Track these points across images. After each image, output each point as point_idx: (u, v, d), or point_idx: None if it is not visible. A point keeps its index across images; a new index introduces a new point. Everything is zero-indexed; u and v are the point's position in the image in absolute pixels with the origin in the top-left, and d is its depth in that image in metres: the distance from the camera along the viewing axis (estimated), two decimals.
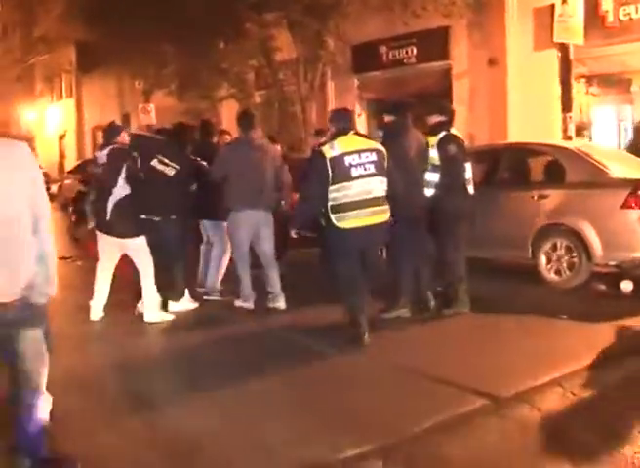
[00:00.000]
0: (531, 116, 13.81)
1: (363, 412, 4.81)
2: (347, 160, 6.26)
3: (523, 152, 9.91)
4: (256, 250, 8.16)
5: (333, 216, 6.28)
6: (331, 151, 6.31)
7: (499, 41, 14.82)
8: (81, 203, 13.45)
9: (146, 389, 5.56)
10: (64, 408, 4.11)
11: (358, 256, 6.45)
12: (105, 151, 7.59)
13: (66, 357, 5.57)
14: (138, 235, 7.46)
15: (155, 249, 7.66)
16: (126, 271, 7.76)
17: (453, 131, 7.61)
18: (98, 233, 7.66)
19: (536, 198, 8.87)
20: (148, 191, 7.50)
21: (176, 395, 5.30)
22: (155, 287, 7.59)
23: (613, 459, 4.07)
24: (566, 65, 12.92)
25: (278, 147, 10.20)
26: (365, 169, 6.27)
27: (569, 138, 12.53)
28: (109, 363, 6.26)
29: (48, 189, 12.93)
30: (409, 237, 7.08)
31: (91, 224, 8.67)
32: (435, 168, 7.37)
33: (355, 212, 6.26)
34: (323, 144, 6.58)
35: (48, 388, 3.76)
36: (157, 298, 7.64)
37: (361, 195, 6.25)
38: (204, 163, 8.34)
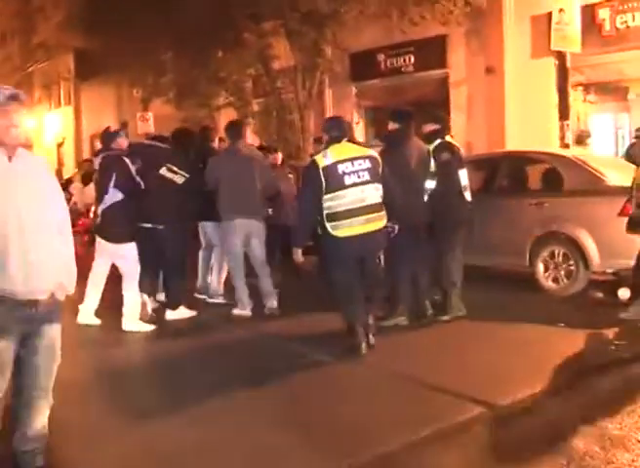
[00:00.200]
0: (528, 124, 13.82)
1: (360, 421, 4.81)
2: (340, 168, 6.26)
3: (521, 160, 9.93)
4: (248, 255, 8.18)
5: (328, 225, 6.29)
6: (324, 160, 6.32)
7: (496, 49, 14.85)
8: None
9: (134, 399, 5.57)
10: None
11: (356, 265, 6.44)
12: (98, 158, 7.64)
13: None
14: (125, 242, 7.43)
15: (157, 256, 7.68)
16: None
17: (447, 138, 7.67)
18: (96, 235, 7.75)
19: (533, 206, 8.88)
20: (157, 199, 7.54)
21: (163, 405, 5.26)
22: (138, 296, 7.59)
23: (611, 466, 4.07)
24: (563, 73, 12.95)
25: (279, 156, 10.23)
26: (359, 176, 6.27)
27: (566, 146, 12.55)
28: (92, 371, 6.26)
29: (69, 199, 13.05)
30: (407, 245, 7.08)
31: None
32: (431, 175, 7.40)
33: (349, 220, 6.24)
34: (317, 153, 6.62)
35: None
36: (137, 308, 7.59)
37: (355, 203, 6.24)
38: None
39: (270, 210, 8.77)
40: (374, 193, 6.32)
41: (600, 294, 8.53)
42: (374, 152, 6.54)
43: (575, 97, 13.74)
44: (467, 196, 7.62)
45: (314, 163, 6.39)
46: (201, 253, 9.02)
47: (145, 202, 7.54)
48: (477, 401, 5.04)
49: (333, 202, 6.26)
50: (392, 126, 7.45)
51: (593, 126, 14.49)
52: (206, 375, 6.00)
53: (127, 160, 7.52)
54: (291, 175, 9.94)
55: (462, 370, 5.82)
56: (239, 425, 4.80)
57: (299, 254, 6.60)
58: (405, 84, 17.19)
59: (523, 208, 9.04)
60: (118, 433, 4.72)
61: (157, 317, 7.90)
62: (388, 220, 6.51)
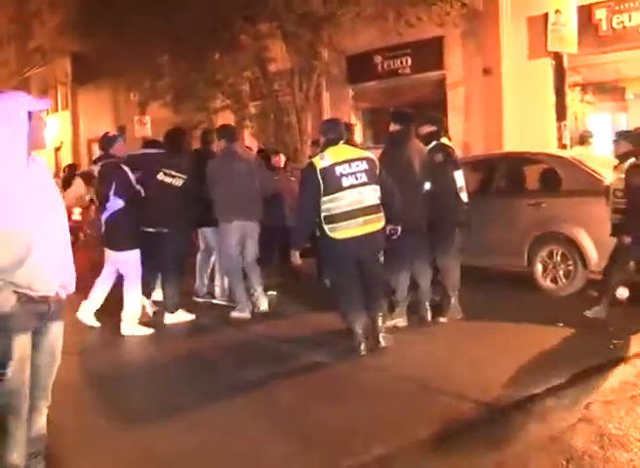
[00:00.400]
0: (526, 125, 13.82)
1: (359, 422, 4.80)
2: (338, 170, 6.27)
3: (519, 161, 9.94)
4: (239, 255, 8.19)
5: (326, 227, 6.29)
6: (321, 162, 6.33)
7: (493, 50, 14.85)
8: None
9: (132, 402, 5.58)
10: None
11: (355, 266, 6.43)
12: (97, 166, 7.65)
13: None
14: (128, 249, 7.48)
15: (158, 259, 7.68)
16: None
17: (443, 140, 7.67)
18: None
19: (531, 206, 8.88)
20: (157, 205, 7.54)
21: (161, 409, 5.26)
22: (139, 301, 7.61)
23: (609, 466, 4.06)
24: (560, 74, 12.95)
25: (281, 158, 10.21)
26: (356, 178, 6.27)
27: (564, 147, 12.55)
28: (90, 374, 6.26)
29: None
30: (407, 246, 7.07)
31: None
32: (428, 176, 7.41)
33: (347, 222, 6.25)
34: (314, 156, 6.64)
35: None
36: (137, 313, 7.61)
37: (353, 205, 6.25)
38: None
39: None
40: (371, 194, 6.32)
41: (597, 294, 8.50)
42: (370, 154, 6.53)
43: (572, 97, 13.74)
44: (464, 197, 7.61)
45: (312, 165, 6.41)
46: (199, 256, 9.02)
47: (148, 208, 7.54)
48: (477, 401, 5.04)
49: (331, 204, 6.26)
50: (393, 127, 7.44)
51: (591, 126, 14.49)
52: (204, 378, 5.99)
53: (126, 168, 7.50)
54: (292, 178, 9.91)
55: (461, 371, 5.81)
56: (238, 428, 4.80)
57: (296, 256, 6.61)
58: (402, 86, 17.20)
59: (521, 208, 9.04)
60: (116, 437, 4.73)
61: (156, 320, 7.88)
62: (390, 222, 6.50)
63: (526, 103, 14.04)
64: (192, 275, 8.99)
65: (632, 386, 5.38)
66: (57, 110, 40.28)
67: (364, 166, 6.33)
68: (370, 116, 18.37)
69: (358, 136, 16.75)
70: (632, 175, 7.24)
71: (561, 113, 12.93)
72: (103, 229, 7.59)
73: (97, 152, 8.44)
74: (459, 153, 8.33)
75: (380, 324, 6.51)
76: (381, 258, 6.91)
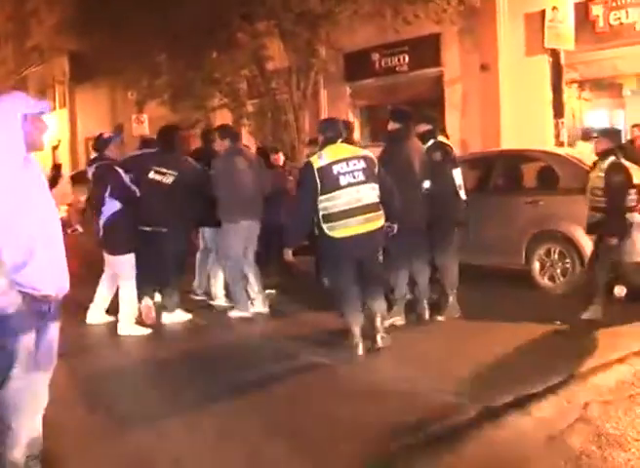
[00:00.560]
0: (523, 122, 13.83)
1: (357, 423, 4.80)
2: (335, 169, 6.26)
3: (516, 159, 9.93)
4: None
5: (325, 226, 6.28)
6: (319, 161, 6.33)
7: (490, 47, 14.86)
8: None
9: (128, 403, 5.57)
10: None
11: (354, 266, 6.43)
12: (92, 168, 7.64)
13: None
14: (124, 253, 7.49)
15: (155, 259, 7.66)
16: None
17: (440, 138, 7.68)
18: None
19: (529, 204, 8.88)
20: (150, 204, 7.52)
21: (158, 410, 5.26)
22: (134, 301, 7.61)
23: (607, 466, 4.06)
24: (557, 71, 12.96)
25: (280, 156, 10.18)
26: (354, 177, 6.26)
27: (561, 144, 12.55)
28: (86, 374, 6.26)
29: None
30: (406, 244, 7.07)
31: None
32: (426, 175, 7.41)
33: (345, 221, 6.24)
34: (312, 155, 6.64)
35: None
36: (133, 313, 7.61)
37: (351, 204, 6.24)
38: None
39: None
40: (370, 193, 6.31)
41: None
42: (368, 152, 6.52)
43: (569, 94, 13.75)
44: (462, 195, 7.63)
45: (309, 164, 6.42)
46: (199, 255, 9.00)
47: (143, 207, 7.52)
48: (475, 401, 5.03)
49: (328, 202, 6.26)
50: (392, 125, 7.42)
51: (588, 123, 14.50)
52: (202, 379, 5.99)
53: (120, 169, 7.48)
54: (290, 178, 9.89)
55: (459, 371, 5.80)
56: (235, 429, 4.79)
57: (289, 254, 6.61)
58: (400, 83, 17.21)
59: (518, 206, 9.04)
60: (113, 438, 4.71)
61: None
62: (387, 220, 6.50)
63: (523, 100, 14.04)
64: (191, 273, 8.97)
65: (630, 386, 5.38)
66: (54, 109, 40.20)
67: (361, 164, 6.32)
68: (367, 113, 18.38)
69: (356, 134, 16.76)
70: (612, 174, 7.21)
71: (558, 110, 12.94)
72: (101, 233, 7.57)
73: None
74: (456, 151, 8.33)
75: (378, 324, 6.50)
76: (381, 258, 6.93)
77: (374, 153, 6.73)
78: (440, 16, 13.84)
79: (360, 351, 6.35)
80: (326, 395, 5.48)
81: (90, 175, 7.70)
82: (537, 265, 8.77)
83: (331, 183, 6.25)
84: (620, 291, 8.05)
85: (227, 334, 7.55)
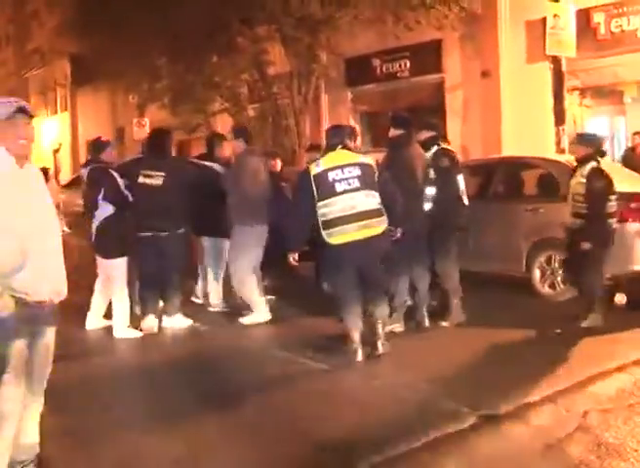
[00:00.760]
0: (524, 129, 13.83)
1: (354, 430, 4.78)
2: (331, 175, 6.26)
3: (517, 166, 9.91)
4: None
5: (324, 232, 6.28)
6: (315, 168, 6.34)
7: (491, 54, 14.88)
8: None
9: (124, 407, 5.56)
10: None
11: (353, 272, 6.41)
12: (86, 170, 7.62)
13: None
14: (117, 257, 7.46)
15: (157, 263, 7.63)
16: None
17: (444, 145, 7.69)
18: None
19: (529, 211, 8.87)
20: (146, 209, 7.47)
21: (154, 415, 5.24)
22: (127, 304, 7.57)
23: None
24: (558, 78, 12.98)
25: (278, 162, 10.11)
26: (349, 184, 6.24)
27: (562, 151, 12.54)
28: (84, 377, 6.22)
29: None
30: (407, 250, 7.05)
31: None
32: (431, 182, 7.41)
33: (341, 227, 6.23)
34: (311, 161, 6.66)
35: None
36: (126, 315, 7.58)
37: (345, 210, 6.22)
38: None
39: None
40: (365, 200, 6.26)
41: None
42: (367, 159, 6.47)
43: (570, 101, 13.76)
44: (465, 201, 7.66)
45: (307, 170, 6.45)
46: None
47: (139, 213, 7.49)
48: (473, 409, 5.00)
49: (325, 209, 6.26)
50: (393, 132, 7.40)
51: (589, 130, 14.49)
52: (198, 383, 5.97)
53: (115, 173, 7.46)
54: (284, 184, 9.84)
55: (458, 378, 5.80)
56: (232, 433, 4.77)
57: (291, 258, 6.61)
58: (400, 89, 17.23)
59: (519, 213, 9.01)
60: (110, 442, 4.69)
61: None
62: (391, 225, 6.47)
63: (524, 107, 14.05)
64: (192, 277, 8.93)
65: (630, 394, 5.36)
66: (55, 112, 40.31)
67: (357, 172, 6.28)
68: (368, 119, 18.38)
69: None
70: (594, 180, 7.22)
71: (559, 117, 12.94)
72: (94, 237, 7.55)
73: None
74: (458, 157, 8.33)
75: (379, 330, 6.47)
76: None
77: (375, 158, 6.71)
78: (441, 22, 13.88)
79: (359, 357, 6.32)
80: (323, 400, 5.46)
81: (84, 176, 7.69)
82: (537, 273, 8.74)
83: (327, 190, 6.26)
84: (620, 298, 8.04)
85: (226, 339, 7.51)
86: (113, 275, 7.54)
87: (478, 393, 5.38)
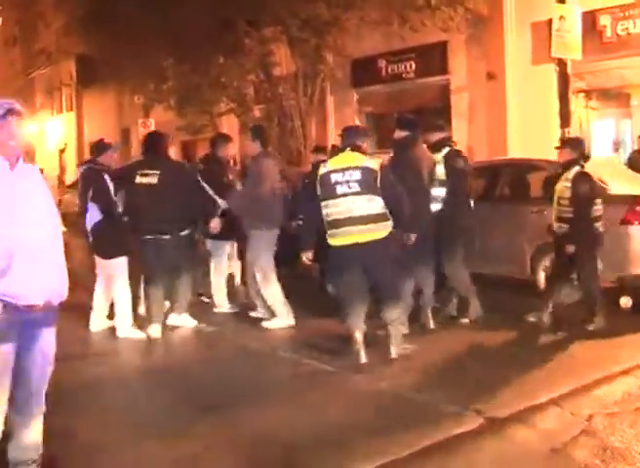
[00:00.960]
0: (530, 130, 13.81)
1: (358, 432, 4.77)
2: (333, 177, 6.30)
3: (522, 168, 9.91)
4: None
5: (327, 233, 6.35)
6: (322, 168, 6.42)
7: (497, 55, 14.86)
8: None
9: (129, 409, 5.55)
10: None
11: (356, 273, 6.40)
12: (81, 169, 7.64)
13: None
14: (116, 257, 7.47)
15: (159, 264, 7.61)
16: None
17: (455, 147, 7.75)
18: None
19: (534, 214, 8.85)
20: (143, 209, 7.46)
21: (155, 417, 5.25)
22: (128, 303, 7.57)
23: None
24: (564, 80, 12.91)
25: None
26: (349, 187, 6.24)
27: None
28: (87, 379, 6.26)
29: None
30: (413, 253, 7.05)
31: None
32: (441, 183, 7.43)
33: (342, 229, 6.27)
34: (316, 162, 6.77)
35: None
36: (129, 315, 7.58)
37: (345, 213, 6.24)
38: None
39: None
40: (365, 205, 6.23)
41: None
42: (371, 163, 6.37)
43: (576, 103, 13.71)
44: (471, 203, 7.70)
45: (315, 171, 6.55)
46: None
47: (140, 216, 7.50)
48: (478, 412, 5.01)
49: (328, 210, 6.32)
50: (399, 133, 7.40)
51: (595, 132, 14.48)
52: (202, 384, 5.98)
53: (107, 177, 7.44)
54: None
55: (462, 381, 5.80)
56: (235, 434, 4.78)
57: (304, 257, 6.66)
58: (406, 90, 17.22)
59: (524, 216, 9.01)
60: (113, 446, 4.70)
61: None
62: (400, 229, 6.46)
63: (530, 109, 14.03)
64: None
65: (636, 398, 5.35)
66: (61, 112, 40.35)
67: (357, 176, 6.26)
68: (374, 120, 18.36)
69: None
70: (579, 184, 7.26)
71: (565, 119, 12.87)
72: (91, 238, 7.57)
73: None
74: None
75: (392, 333, 6.44)
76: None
77: (380, 160, 6.70)
78: (447, 24, 13.87)
79: (362, 358, 6.32)
80: (326, 402, 5.47)
81: (78, 174, 7.72)
82: (542, 276, 8.73)
83: (329, 191, 6.30)
84: (626, 301, 8.03)
85: (231, 340, 7.54)
86: (113, 275, 7.54)
87: (483, 396, 5.39)
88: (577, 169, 7.34)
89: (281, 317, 7.84)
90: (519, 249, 8.90)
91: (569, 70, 12.80)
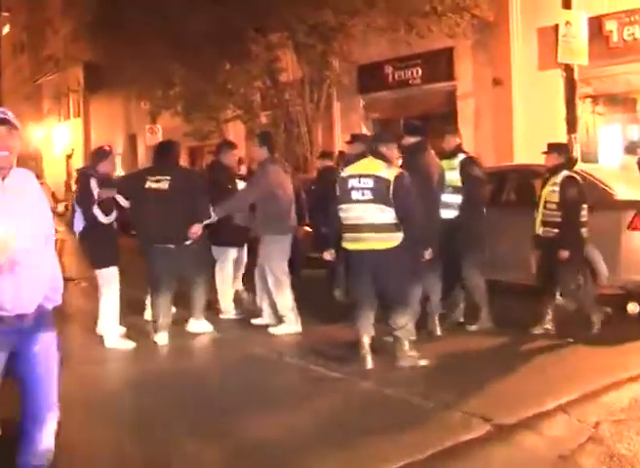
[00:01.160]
0: (536, 136, 13.76)
1: (364, 438, 4.77)
2: (350, 183, 6.35)
3: (529, 174, 9.88)
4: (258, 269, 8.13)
5: (343, 235, 6.44)
6: (343, 173, 6.54)
7: (503, 61, 14.88)
8: None
9: (134, 415, 5.53)
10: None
11: (368, 278, 6.41)
12: (77, 174, 7.67)
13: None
14: (106, 266, 7.39)
15: (166, 272, 7.60)
16: None
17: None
18: None
19: None
20: (152, 216, 7.44)
21: (162, 423, 5.23)
22: (114, 316, 7.49)
23: None
24: (571, 85, 12.91)
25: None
26: (363, 194, 6.28)
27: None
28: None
29: (55, 209, 13.16)
30: (422, 261, 7.04)
31: None
32: (456, 190, 7.44)
33: (353, 234, 6.33)
34: (322, 168, 6.84)
35: None
36: (114, 326, 7.51)
37: (357, 219, 6.30)
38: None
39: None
40: (376, 213, 6.24)
41: (608, 309, 8.44)
42: (386, 172, 6.30)
43: (583, 109, 13.72)
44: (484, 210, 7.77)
45: (321, 176, 6.63)
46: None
47: (147, 222, 7.49)
48: (485, 419, 5.00)
49: (343, 214, 6.39)
50: (408, 139, 7.38)
51: (602, 137, 14.47)
52: (209, 390, 5.99)
53: (94, 181, 7.30)
54: None
55: (469, 387, 5.78)
56: (241, 439, 4.79)
57: (327, 255, 6.72)
58: (412, 96, 17.24)
59: (531, 222, 8.97)
60: (116, 447, 4.72)
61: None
62: (413, 242, 6.40)
63: (536, 115, 14.03)
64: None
65: None
66: (69, 118, 40.52)
67: (370, 184, 6.27)
68: (380, 126, 18.36)
69: None
70: (567, 188, 7.27)
71: (572, 125, 12.87)
72: (80, 245, 7.56)
73: None
74: None
75: (399, 340, 6.43)
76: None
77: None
78: (453, 30, 13.90)
79: (368, 364, 6.34)
80: (332, 408, 5.48)
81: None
82: None
83: (345, 196, 6.37)
84: (633, 308, 8.02)
85: (238, 346, 7.52)
86: (102, 284, 7.48)
87: (490, 402, 5.39)
88: (564, 173, 7.36)
89: (289, 323, 7.84)
90: (525, 255, 8.87)
91: (575, 76, 12.80)
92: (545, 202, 7.47)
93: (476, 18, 13.93)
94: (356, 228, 6.30)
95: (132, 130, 30.80)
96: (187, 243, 7.59)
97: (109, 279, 7.44)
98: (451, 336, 7.43)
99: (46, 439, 3.77)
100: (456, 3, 13.63)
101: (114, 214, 7.43)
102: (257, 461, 4.50)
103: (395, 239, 6.27)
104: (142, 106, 23.29)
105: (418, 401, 5.52)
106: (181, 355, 7.35)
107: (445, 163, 7.58)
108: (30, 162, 36.80)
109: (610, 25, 13.24)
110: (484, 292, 7.72)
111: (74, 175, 8.21)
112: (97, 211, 7.25)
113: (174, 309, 8.03)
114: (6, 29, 50.91)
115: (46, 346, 3.71)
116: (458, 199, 7.48)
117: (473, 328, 7.63)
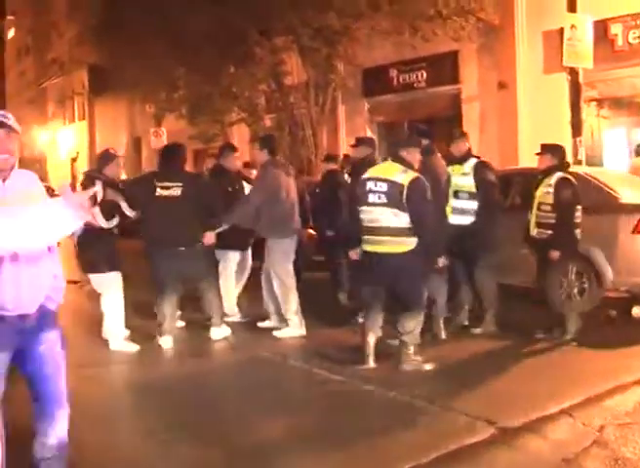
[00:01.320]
0: (541, 140, 13.63)
1: (368, 441, 4.77)
2: (368, 185, 6.40)
3: (533, 177, 9.85)
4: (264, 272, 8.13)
5: (362, 236, 6.50)
6: (364, 174, 6.56)
7: (508, 64, 14.88)
8: None
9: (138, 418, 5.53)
10: None
11: (380, 280, 6.44)
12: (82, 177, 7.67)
13: None
14: (102, 272, 7.32)
15: (174, 275, 7.58)
16: None
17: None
18: None
19: None
20: (162, 221, 7.41)
21: (165, 427, 5.20)
22: (119, 320, 7.46)
23: None
24: (576, 89, 12.92)
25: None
26: (378, 197, 6.32)
27: (579, 163, 12.49)
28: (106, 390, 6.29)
29: None
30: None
31: None
32: (472, 195, 7.43)
33: (369, 236, 6.40)
34: (326, 171, 6.86)
35: None
36: (120, 330, 7.48)
37: (373, 222, 6.34)
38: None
39: None
40: (391, 218, 6.26)
41: (614, 312, 8.44)
42: (400, 177, 6.28)
43: (588, 112, 13.71)
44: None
45: (326, 179, 6.64)
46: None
47: (156, 227, 7.46)
48: (489, 422, 4.98)
49: (362, 215, 6.45)
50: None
51: (607, 141, 14.45)
52: (213, 394, 5.99)
53: (99, 184, 7.05)
54: None
55: (474, 390, 5.78)
56: (245, 443, 4.79)
57: (353, 254, 6.77)
58: (417, 99, 17.26)
59: None
60: (118, 448, 4.72)
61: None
62: (425, 246, 6.37)
63: (541, 118, 14.03)
64: None
65: None
66: (73, 121, 40.61)
67: (385, 188, 6.29)
68: (385, 130, 18.39)
69: None
70: (561, 189, 7.26)
71: (577, 128, 12.88)
72: (76, 247, 7.49)
73: None
74: None
75: (406, 347, 6.41)
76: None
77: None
78: (458, 33, 13.91)
79: (371, 364, 6.40)
80: (336, 411, 5.46)
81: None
82: None
83: (363, 198, 6.44)
84: (638, 311, 8.00)
85: (242, 349, 7.52)
86: (102, 293, 7.42)
87: (494, 405, 5.38)
88: (559, 174, 7.34)
89: (293, 326, 7.83)
90: (530, 258, 8.85)
91: (580, 79, 12.82)
92: (539, 203, 7.46)
93: (481, 21, 13.93)
94: (374, 231, 6.36)
95: (136, 133, 30.85)
96: (197, 245, 7.58)
97: (105, 284, 7.37)
98: (455, 340, 7.42)
99: (59, 432, 3.78)
100: (461, 6, 13.64)
101: (115, 221, 7.28)
102: (260, 463, 4.50)
103: (410, 243, 6.28)
104: (147, 109, 23.33)
105: (421, 404, 5.51)
106: (186, 358, 7.35)
107: (455, 168, 7.58)
108: (35, 165, 36.92)
109: (615, 29, 13.24)
110: (495, 295, 7.71)
111: (80, 177, 8.18)
112: (97, 211, 7.17)
113: (179, 313, 8.04)
114: (11, 33, 51.13)
115: (51, 345, 3.72)
116: (474, 205, 7.47)
117: (477, 330, 7.62)
